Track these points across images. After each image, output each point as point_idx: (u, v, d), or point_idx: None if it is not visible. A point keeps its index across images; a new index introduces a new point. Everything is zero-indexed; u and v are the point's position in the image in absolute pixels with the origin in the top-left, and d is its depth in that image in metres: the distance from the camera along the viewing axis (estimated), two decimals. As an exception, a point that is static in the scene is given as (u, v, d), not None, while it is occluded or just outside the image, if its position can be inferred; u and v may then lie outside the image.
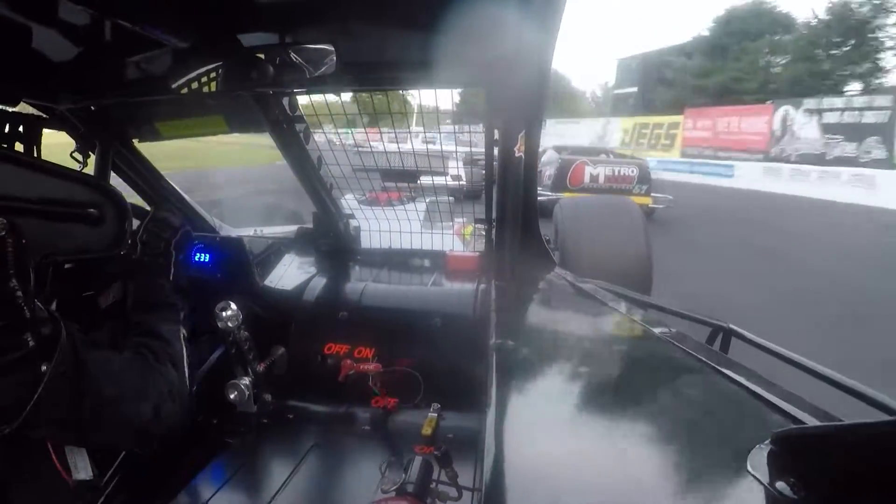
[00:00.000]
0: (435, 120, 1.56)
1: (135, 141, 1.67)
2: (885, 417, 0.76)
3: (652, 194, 9.33)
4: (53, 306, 1.11)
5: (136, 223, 1.23)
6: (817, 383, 1.01)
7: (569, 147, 11.70)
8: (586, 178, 9.36)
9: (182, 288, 1.18)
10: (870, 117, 16.78)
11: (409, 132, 1.54)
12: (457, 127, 1.69)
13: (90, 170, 1.50)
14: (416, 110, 1.45)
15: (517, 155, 1.33)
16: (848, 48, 22.81)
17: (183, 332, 1.08)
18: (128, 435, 0.91)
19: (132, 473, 1.18)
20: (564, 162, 9.45)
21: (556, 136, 26.89)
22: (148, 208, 1.75)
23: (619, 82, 36.15)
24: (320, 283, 1.66)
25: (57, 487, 0.89)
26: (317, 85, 1.26)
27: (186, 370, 1.03)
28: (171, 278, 1.16)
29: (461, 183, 3.00)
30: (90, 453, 0.94)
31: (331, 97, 1.38)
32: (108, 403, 0.83)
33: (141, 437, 0.92)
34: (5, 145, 1.19)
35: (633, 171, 9.38)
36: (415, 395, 1.39)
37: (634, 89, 33.16)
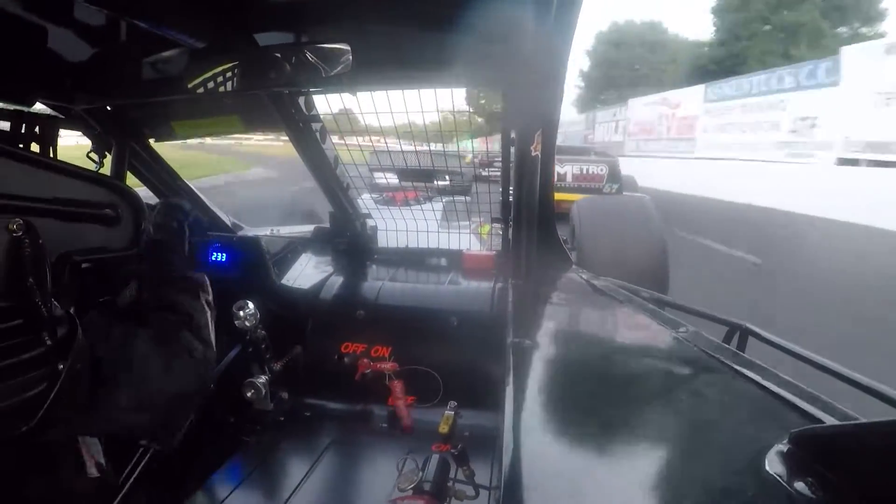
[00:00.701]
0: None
1: (151, 141, 1.63)
2: None
3: (624, 193, 9.13)
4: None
5: None
6: (836, 383, 0.95)
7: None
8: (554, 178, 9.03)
9: (199, 262, 1.15)
10: None
11: (426, 131, 1.50)
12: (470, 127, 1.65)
13: (106, 170, 1.48)
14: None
15: (533, 154, 1.30)
16: None
17: (206, 299, 1.04)
18: (152, 418, 0.87)
19: (148, 471, 1.15)
20: None
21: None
22: None
23: None
24: (337, 282, 1.63)
25: (73, 486, 0.86)
26: (333, 84, 1.23)
27: (213, 336, 0.99)
28: (185, 253, 1.14)
29: (446, 183, 2.91)
30: (106, 452, 0.91)
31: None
32: (128, 387, 0.80)
33: (168, 416, 0.88)
34: (22, 146, 1.15)
35: (602, 170, 8.97)
36: (431, 393, 1.36)
37: None
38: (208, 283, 1.08)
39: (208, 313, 1.02)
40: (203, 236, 1.51)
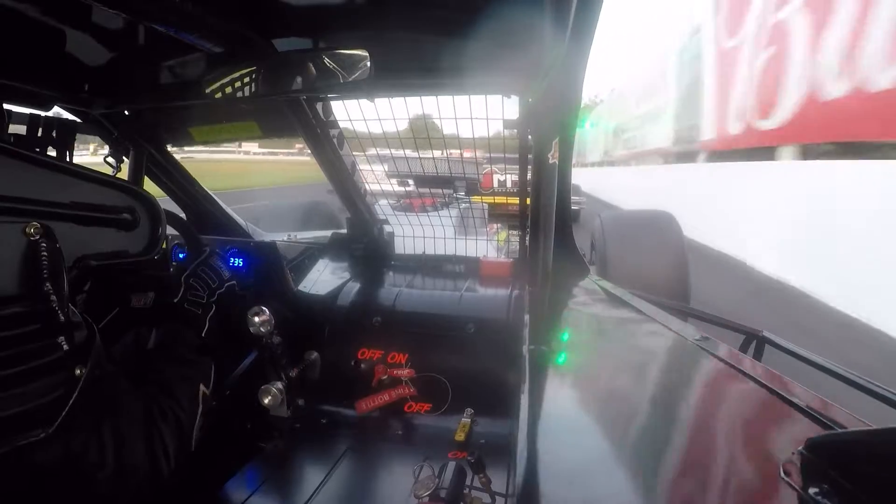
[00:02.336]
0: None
1: (168, 146, 1.58)
2: None
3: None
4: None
5: (169, 230, 1.14)
6: (851, 391, 0.96)
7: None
8: (495, 184, 9.29)
9: (211, 347, 1.05)
10: None
11: (444, 138, 1.44)
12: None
13: (124, 174, 1.42)
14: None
15: (551, 162, 1.24)
16: None
17: (203, 390, 0.94)
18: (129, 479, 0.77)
19: None
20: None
21: None
22: (182, 214, 1.67)
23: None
24: (354, 288, 1.57)
25: (86, 494, 0.80)
26: (351, 90, 1.17)
27: (195, 433, 0.90)
28: (203, 335, 1.04)
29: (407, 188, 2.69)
30: None
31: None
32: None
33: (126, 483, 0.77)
34: (38, 150, 1.10)
35: None
36: (448, 400, 1.30)
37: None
38: (213, 373, 0.99)
39: (199, 409, 0.93)
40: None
